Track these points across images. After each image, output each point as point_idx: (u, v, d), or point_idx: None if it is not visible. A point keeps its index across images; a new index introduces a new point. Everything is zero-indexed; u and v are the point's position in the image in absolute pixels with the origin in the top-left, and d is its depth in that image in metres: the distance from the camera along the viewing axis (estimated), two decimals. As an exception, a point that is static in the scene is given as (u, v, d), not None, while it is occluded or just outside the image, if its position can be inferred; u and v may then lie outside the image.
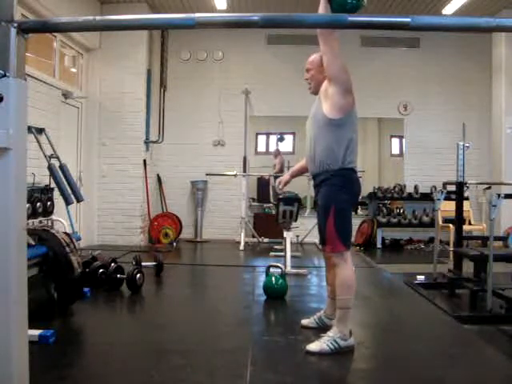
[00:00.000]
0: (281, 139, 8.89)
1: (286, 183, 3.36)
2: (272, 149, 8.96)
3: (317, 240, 6.90)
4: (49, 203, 4.92)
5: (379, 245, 7.64)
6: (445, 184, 6.39)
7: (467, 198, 7.07)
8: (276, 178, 8.41)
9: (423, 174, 8.12)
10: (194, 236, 8.02)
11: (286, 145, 9.34)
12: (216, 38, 8.02)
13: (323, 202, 2.85)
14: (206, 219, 8.07)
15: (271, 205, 8.16)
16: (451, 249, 6.33)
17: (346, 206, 2.84)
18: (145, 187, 7.35)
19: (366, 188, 8.26)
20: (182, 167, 8.13)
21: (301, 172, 3.37)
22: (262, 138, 9.36)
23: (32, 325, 1.67)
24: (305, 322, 3.22)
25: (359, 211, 8.74)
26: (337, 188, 2.80)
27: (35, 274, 3.21)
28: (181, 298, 4.24)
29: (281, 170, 8.69)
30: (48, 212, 4.89)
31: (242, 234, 7.11)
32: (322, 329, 3.02)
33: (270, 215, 7.91)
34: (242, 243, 7.01)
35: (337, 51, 2.75)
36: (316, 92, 3.00)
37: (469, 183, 5.51)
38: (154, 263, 4.91)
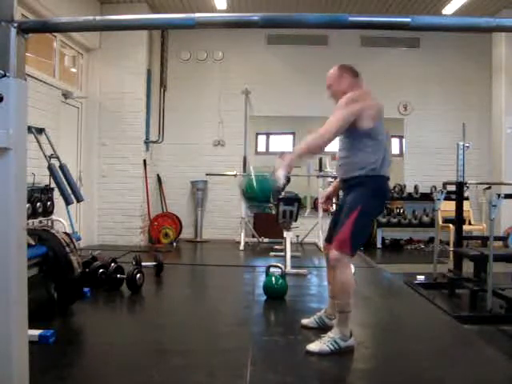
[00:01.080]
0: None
1: (328, 199, 3.30)
2: (272, 149, 8.95)
3: (317, 240, 6.93)
4: (49, 203, 4.92)
5: (379, 245, 7.65)
6: (445, 184, 6.40)
7: (467, 198, 7.07)
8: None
9: (423, 174, 8.12)
10: (194, 236, 8.02)
11: (286, 145, 9.33)
12: (216, 38, 8.02)
13: (350, 202, 2.79)
14: (206, 219, 8.07)
15: (271, 205, 8.16)
16: (451, 249, 6.34)
17: (370, 212, 2.81)
18: (145, 187, 7.35)
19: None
20: (181, 167, 8.13)
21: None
22: (262, 138, 9.35)
23: (32, 325, 1.67)
24: (305, 321, 3.21)
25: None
26: (368, 193, 2.77)
27: (35, 274, 3.21)
28: (181, 298, 4.24)
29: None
30: (48, 212, 4.89)
31: (242, 234, 7.11)
32: (322, 329, 3.02)
33: (270, 215, 7.90)
34: (242, 243, 7.01)
35: (332, 128, 2.71)
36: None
37: (469, 183, 5.51)
38: (154, 263, 4.91)
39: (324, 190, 3.34)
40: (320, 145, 2.73)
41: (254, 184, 2.71)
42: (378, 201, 2.83)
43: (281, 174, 2.61)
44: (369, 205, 2.76)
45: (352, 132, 2.79)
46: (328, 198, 3.30)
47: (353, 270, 4.67)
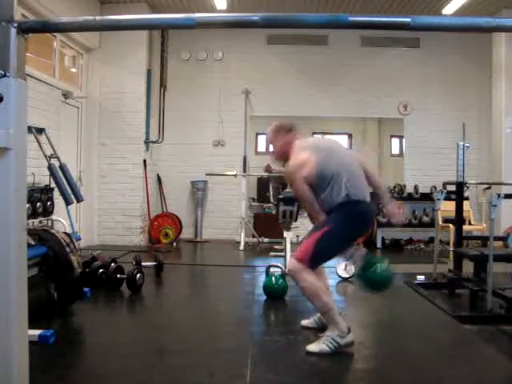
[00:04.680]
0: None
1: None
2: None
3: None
4: (49, 203, 4.92)
5: (379, 245, 7.64)
6: (445, 184, 6.38)
7: (467, 198, 7.06)
8: (275, 178, 8.50)
9: (423, 174, 8.11)
10: (194, 236, 8.01)
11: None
12: (216, 38, 8.02)
13: (326, 219, 2.83)
14: (206, 219, 8.07)
15: (271, 205, 8.16)
16: (451, 249, 6.32)
17: (339, 233, 2.78)
18: (145, 187, 7.35)
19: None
20: (181, 167, 8.13)
21: None
22: (261, 138, 9.34)
23: (32, 325, 1.67)
24: (304, 322, 3.22)
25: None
26: (339, 215, 2.78)
27: (35, 274, 3.21)
28: (181, 298, 4.24)
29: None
30: (48, 212, 4.89)
31: (242, 234, 7.11)
32: (321, 329, 3.02)
33: (270, 215, 7.91)
34: (242, 243, 7.01)
35: (302, 190, 2.85)
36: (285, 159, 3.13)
37: (469, 183, 5.50)
38: (154, 263, 4.91)
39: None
40: (307, 203, 2.90)
41: None
42: (351, 224, 2.80)
43: None
44: (339, 225, 2.77)
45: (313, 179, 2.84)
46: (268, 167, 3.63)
47: (353, 271, 4.74)
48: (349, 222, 2.80)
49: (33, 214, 4.58)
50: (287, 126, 3.10)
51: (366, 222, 2.96)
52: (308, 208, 2.94)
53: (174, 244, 7.27)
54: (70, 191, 4.62)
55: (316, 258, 2.75)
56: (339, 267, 4.87)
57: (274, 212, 7.36)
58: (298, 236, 7.03)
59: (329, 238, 2.75)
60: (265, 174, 8.47)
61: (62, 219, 4.83)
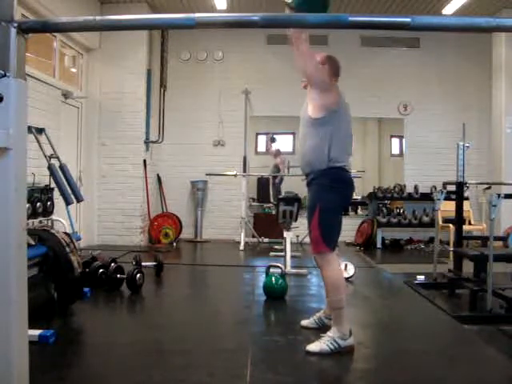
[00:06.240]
0: (272, 140, 8.81)
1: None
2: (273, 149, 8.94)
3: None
4: (49, 203, 4.92)
5: (379, 245, 7.64)
6: (445, 184, 6.38)
7: (467, 198, 7.06)
8: (275, 178, 8.51)
9: (423, 174, 8.12)
10: (194, 236, 8.02)
11: (286, 145, 9.34)
12: (216, 38, 8.02)
13: (309, 202, 2.86)
14: (206, 219, 8.08)
15: (271, 205, 8.16)
16: (451, 249, 6.32)
17: (331, 207, 2.80)
18: (145, 187, 7.35)
19: (366, 188, 8.27)
20: (181, 167, 8.14)
21: None
22: (261, 138, 9.35)
23: (32, 325, 1.67)
24: (304, 322, 3.22)
25: (359, 211, 8.74)
26: (323, 188, 2.80)
27: (35, 274, 3.21)
28: (181, 298, 4.24)
29: (282, 170, 8.69)
30: (48, 212, 4.89)
31: (242, 234, 7.11)
32: (321, 329, 3.02)
33: (270, 215, 7.91)
34: (242, 243, 7.01)
35: (307, 53, 2.79)
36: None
37: (469, 183, 5.50)
38: (154, 263, 4.91)
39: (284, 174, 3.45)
40: (299, 39, 2.84)
41: None
42: (335, 194, 2.80)
43: None
44: (327, 200, 2.77)
45: (314, 120, 2.82)
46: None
47: (353, 271, 4.74)
48: (335, 191, 2.80)
49: (33, 214, 4.58)
50: (338, 69, 3.03)
51: (348, 188, 2.92)
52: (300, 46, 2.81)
53: (174, 244, 7.27)
54: (70, 191, 4.62)
55: (328, 239, 2.77)
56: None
57: (274, 212, 7.37)
58: (297, 236, 7.08)
59: (326, 217, 2.77)
60: (265, 174, 8.49)
61: (62, 219, 4.83)
